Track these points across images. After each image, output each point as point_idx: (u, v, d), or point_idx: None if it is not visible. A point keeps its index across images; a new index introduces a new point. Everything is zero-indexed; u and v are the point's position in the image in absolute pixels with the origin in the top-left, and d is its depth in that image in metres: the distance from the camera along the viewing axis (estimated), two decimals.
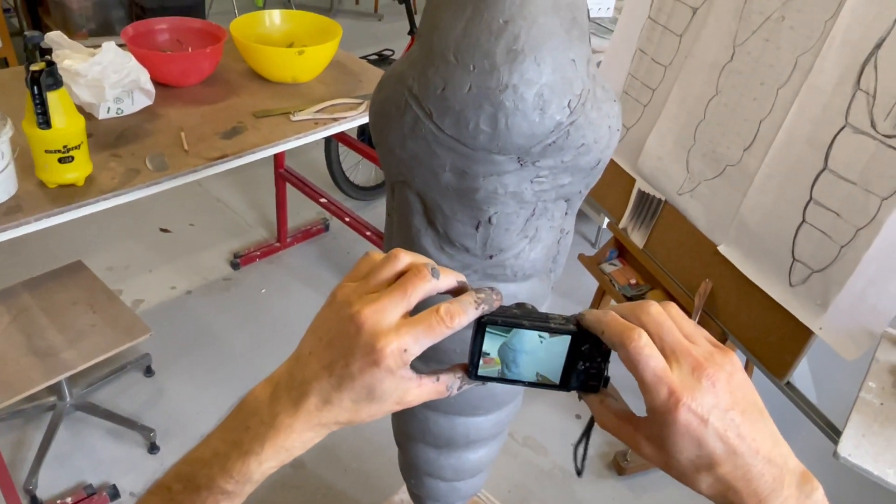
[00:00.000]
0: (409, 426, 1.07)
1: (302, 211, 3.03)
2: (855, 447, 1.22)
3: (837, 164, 1.39)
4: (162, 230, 2.92)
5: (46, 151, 1.43)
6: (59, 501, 1.86)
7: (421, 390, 0.49)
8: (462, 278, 0.51)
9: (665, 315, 0.48)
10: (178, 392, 2.23)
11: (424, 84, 0.72)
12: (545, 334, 0.51)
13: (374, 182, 3.21)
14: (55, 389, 2.03)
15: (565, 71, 0.70)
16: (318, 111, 1.90)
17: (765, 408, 0.47)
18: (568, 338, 0.51)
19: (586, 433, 0.58)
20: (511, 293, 0.87)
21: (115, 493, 1.91)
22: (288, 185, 2.74)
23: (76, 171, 1.49)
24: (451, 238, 0.82)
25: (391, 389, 0.48)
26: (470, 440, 1.05)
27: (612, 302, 2.43)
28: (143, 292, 2.60)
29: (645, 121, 1.89)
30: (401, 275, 0.49)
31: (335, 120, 1.88)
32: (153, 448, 2.04)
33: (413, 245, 0.86)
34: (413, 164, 0.78)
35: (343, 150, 2.90)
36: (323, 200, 2.67)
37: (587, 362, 0.52)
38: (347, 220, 2.60)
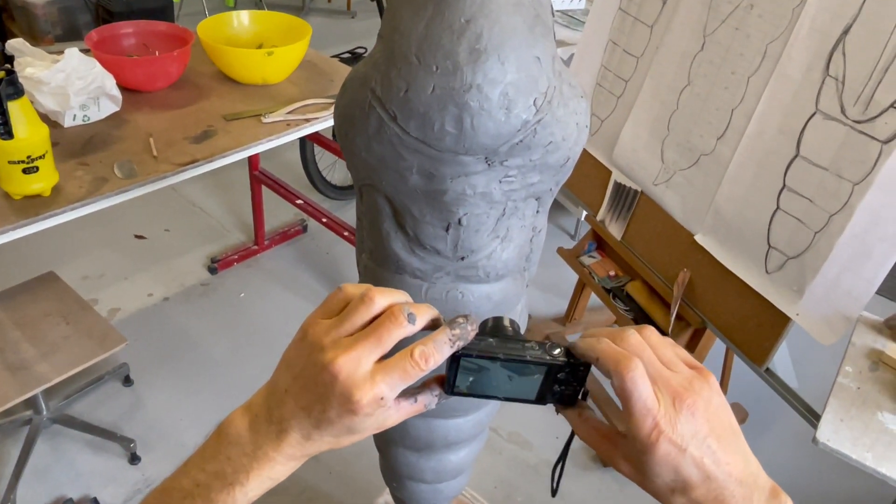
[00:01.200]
0: (387, 431, 1.05)
1: (279, 213, 3.00)
2: (833, 432, 1.23)
3: (809, 150, 1.39)
4: (137, 237, 2.88)
5: (10, 162, 1.40)
6: None
7: (400, 413, 0.50)
8: (436, 314, 0.50)
9: (644, 344, 0.49)
10: (158, 401, 2.20)
11: (387, 86, 0.71)
12: (520, 366, 0.50)
13: (351, 181, 3.19)
14: (31, 403, 2.00)
15: (530, 69, 0.69)
16: (289, 112, 1.87)
17: (738, 427, 0.48)
18: (545, 368, 0.50)
19: (563, 455, 0.58)
20: (484, 294, 0.86)
21: None
22: (264, 188, 2.71)
23: (42, 182, 1.45)
24: (421, 241, 0.81)
25: (370, 424, 0.49)
26: (450, 442, 1.04)
27: (592, 295, 2.43)
28: (119, 300, 2.56)
29: (619, 112, 1.88)
30: (376, 317, 0.49)
31: (307, 121, 1.86)
32: (134, 459, 2.01)
33: (384, 249, 0.84)
34: (380, 167, 0.77)
35: (318, 150, 2.87)
36: (299, 202, 2.65)
37: (563, 386, 0.52)
38: (325, 220, 2.58)
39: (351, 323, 0.48)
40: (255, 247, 2.84)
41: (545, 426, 2.24)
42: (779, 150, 1.45)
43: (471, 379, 0.51)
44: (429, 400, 0.52)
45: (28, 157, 1.41)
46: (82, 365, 1.72)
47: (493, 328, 0.53)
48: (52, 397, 2.06)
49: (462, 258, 0.82)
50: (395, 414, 0.50)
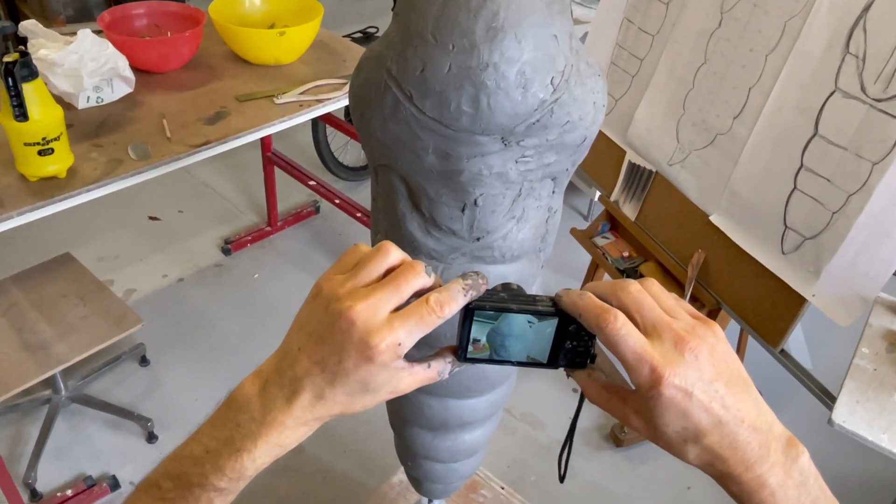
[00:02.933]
0: (402, 410, 1.06)
1: (292, 194, 3.01)
2: (849, 413, 1.23)
3: (828, 129, 1.37)
4: (151, 218, 2.90)
5: (25, 144, 1.41)
6: (59, 494, 1.86)
7: (413, 378, 0.50)
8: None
9: (644, 292, 0.48)
10: (175, 381, 2.23)
11: (403, 65, 0.70)
12: (533, 318, 0.51)
13: (363, 162, 3.18)
14: (50, 383, 2.03)
15: (547, 47, 0.68)
16: (301, 93, 1.87)
17: (748, 377, 0.48)
18: (556, 320, 0.51)
19: (569, 438, 0.59)
20: (500, 274, 0.86)
21: (115, 483, 1.91)
22: (277, 169, 2.71)
23: (57, 164, 1.46)
24: (437, 221, 0.81)
25: (384, 381, 0.48)
26: (464, 422, 1.05)
27: (606, 276, 2.43)
28: (134, 281, 2.58)
29: (634, 91, 1.86)
30: (390, 270, 0.49)
31: (319, 101, 1.85)
32: (151, 437, 2.04)
33: (399, 229, 0.84)
34: (395, 147, 0.76)
35: (331, 130, 2.87)
36: (312, 183, 2.65)
37: (575, 341, 0.52)
38: (337, 202, 2.58)
39: (367, 273, 0.48)
40: (269, 228, 2.84)
41: (558, 406, 2.25)
42: (796, 129, 1.43)
43: (484, 339, 0.51)
44: (442, 367, 0.51)
45: (43, 138, 1.41)
46: (99, 345, 1.74)
47: (503, 289, 0.54)
48: (70, 377, 2.09)
49: (478, 239, 0.81)
50: (408, 378, 0.49)
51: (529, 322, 0.51)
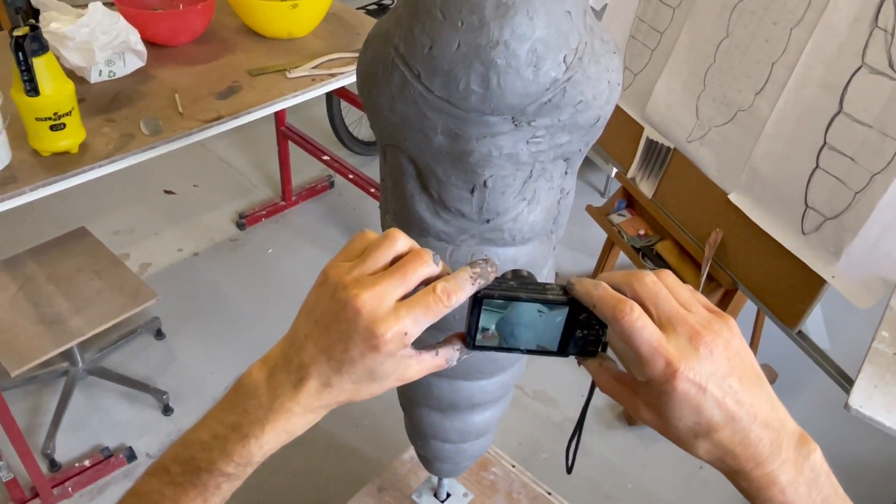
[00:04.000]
0: (412, 391, 1.06)
1: (306, 168, 3.00)
2: (867, 398, 1.20)
3: (853, 106, 1.33)
4: (166, 192, 2.90)
5: (37, 119, 1.40)
6: (77, 465, 1.89)
7: (421, 366, 0.49)
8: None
9: (660, 284, 0.47)
10: (190, 354, 2.24)
11: (411, 43, 0.68)
12: (543, 307, 0.50)
13: None
14: (67, 355, 2.05)
15: (560, 24, 0.66)
16: (314, 67, 1.84)
17: (762, 372, 0.47)
18: (566, 309, 0.50)
19: (578, 429, 0.58)
20: (510, 257, 0.84)
21: (131, 455, 1.94)
22: (291, 143, 2.70)
23: (69, 139, 1.46)
24: (445, 203, 0.79)
25: (391, 370, 0.48)
26: (474, 403, 1.04)
27: (621, 254, 2.40)
28: (150, 255, 2.59)
29: (653, 66, 1.82)
30: (397, 258, 0.48)
31: (332, 76, 1.83)
32: (167, 410, 2.06)
33: (408, 210, 0.83)
34: (403, 127, 0.74)
35: (345, 105, 2.84)
36: (326, 158, 2.64)
37: (585, 330, 0.51)
38: (351, 177, 2.57)
39: (374, 261, 0.48)
40: (283, 202, 2.84)
41: (570, 384, 2.24)
42: (820, 106, 1.39)
43: (493, 327, 0.50)
44: (450, 354, 0.51)
45: (55, 113, 1.41)
46: (114, 319, 1.75)
47: (513, 276, 0.53)
48: (86, 350, 2.11)
49: (487, 221, 0.80)
50: (416, 365, 0.49)
51: (539, 311, 0.50)
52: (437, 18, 0.66)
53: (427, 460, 1.24)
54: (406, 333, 0.45)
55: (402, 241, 0.49)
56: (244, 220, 2.73)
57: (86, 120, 1.54)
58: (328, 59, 1.88)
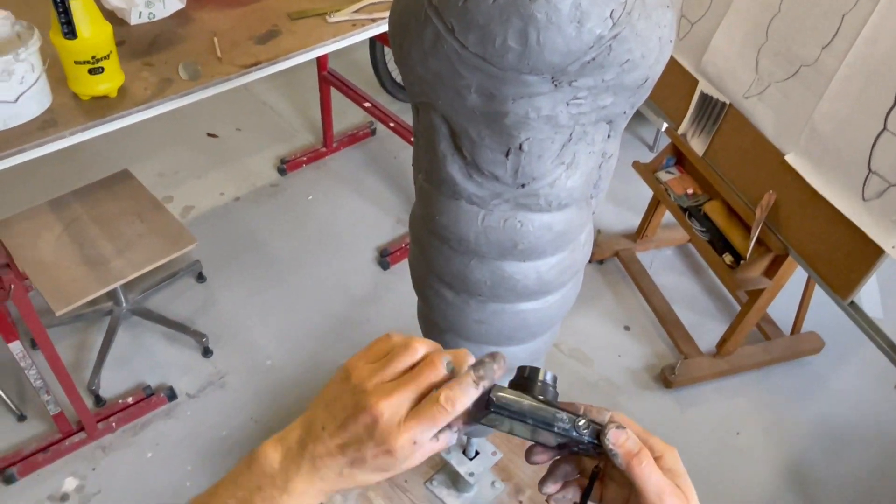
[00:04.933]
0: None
1: (348, 114, 2.96)
2: None
3: None
4: (209, 135, 2.91)
5: (76, 63, 1.39)
6: (120, 401, 1.96)
7: (424, 452, 0.53)
8: (472, 360, 0.53)
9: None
10: (229, 298, 2.28)
11: None
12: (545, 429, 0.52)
13: None
14: (112, 295, 2.10)
15: None
16: (355, 11, 1.79)
17: None
18: (568, 439, 0.52)
19: (589, 488, 0.56)
20: (546, 223, 0.80)
21: (172, 394, 2.00)
22: (333, 89, 2.66)
23: (108, 82, 1.45)
24: (479, 165, 0.75)
25: (400, 465, 0.52)
26: None
27: (666, 213, 2.32)
28: (193, 198, 2.62)
29: (712, 14, 1.71)
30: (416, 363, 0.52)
31: (373, 20, 1.77)
32: (207, 352, 2.11)
33: (439, 171, 0.79)
34: (436, 84, 0.70)
35: (388, 49, 2.77)
36: (367, 105, 2.59)
37: (583, 449, 0.53)
38: (392, 125, 2.52)
39: (393, 368, 0.51)
40: (324, 149, 2.82)
41: (607, 343, 2.21)
42: (893, 63, 1.29)
43: (496, 422, 0.53)
44: (449, 437, 0.53)
45: (93, 57, 1.39)
46: (155, 263, 1.78)
47: (528, 378, 0.54)
48: (130, 290, 2.16)
49: (522, 185, 0.76)
50: (420, 455, 0.52)
51: (540, 430, 0.52)
52: None
53: None
54: (415, 442, 0.49)
55: (420, 351, 0.52)
56: (285, 166, 2.73)
57: (124, 63, 1.53)
58: (369, 3, 1.82)
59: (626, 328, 2.26)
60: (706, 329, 2.24)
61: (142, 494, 1.79)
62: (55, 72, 1.46)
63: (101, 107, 1.45)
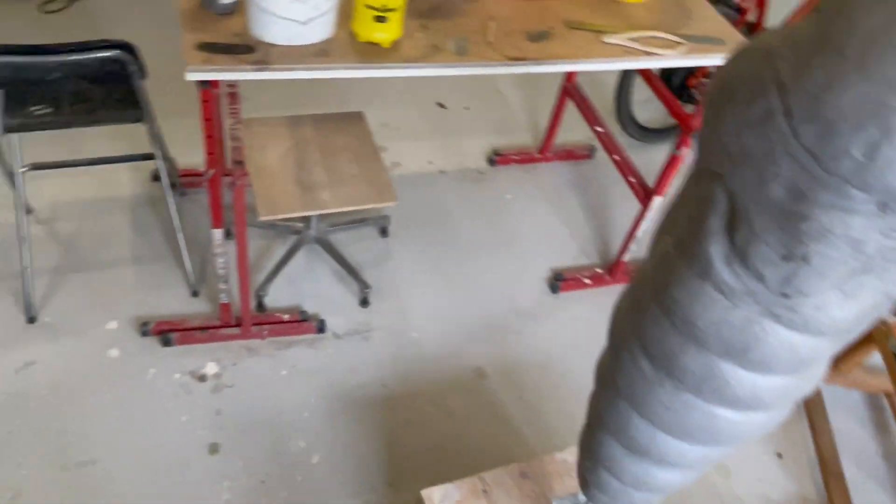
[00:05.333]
0: (607, 415, 0.98)
1: (574, 129, 2.92)
2: None
3: None
4: (439, 105, 2.99)
5: (366, 6, 1.46)
6: (277, 314, 2.08)
7: None
8: None
9: None
10: (403, 261, 2.34)
11: (799, 73, 0.57)
12: None
13: (656, 124, 2.98)
14: (306, 219, 2.23)
15: None
16: (632, 38, 1.73)
17: None
18: None
19: None
20: (791, 344, 0.72)
21: (321, 327, 2.09)
22: (569, 101, 2.62)
23: (386, 33, 1.51)
24: (747, 257, 0.68)
25: None
26: (665, 460, 0.94)
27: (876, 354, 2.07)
28: (403, 157, 2.71)
29: None
30: None
31: (647, 54, 1.71)
32: (364, 302, 2.18)
33: (696, 244, 0.73)
34: (740, 160, 0.64)
35: (639, 81, 2.69)
36: (599, 129, 2.53)
37: None
38: (616, 158, 2.45)
39: None
40: (538, 154, 2.81)
41: (753, 462, 2.02)
42: None
43: None
44: None
45: (383, 5, 1.46)
46: (356, 206, 1.85)
47: None
48: (321, 220, 2.28)
49: (785, 295, 0.68)
50: None
51: None
52: (848, 59, 0.54)
53: (586, 481, 1.16)
54: None
55: None
56: (496, 158, 2.75)
57: (405, 20, 1.58)
58: (649, 35, 1.76)
59: (779, 455, 2.05)
60: (868, 492, 1.98)
61: (264, 404, 1.89)
62: (343, 9, 1.55)
63: (372, 52, 1.52)
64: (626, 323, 0.90)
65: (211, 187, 1.68)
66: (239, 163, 1.61)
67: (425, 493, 1.43)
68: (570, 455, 1.56)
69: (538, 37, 1.69)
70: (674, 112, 2.00)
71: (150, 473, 1.72)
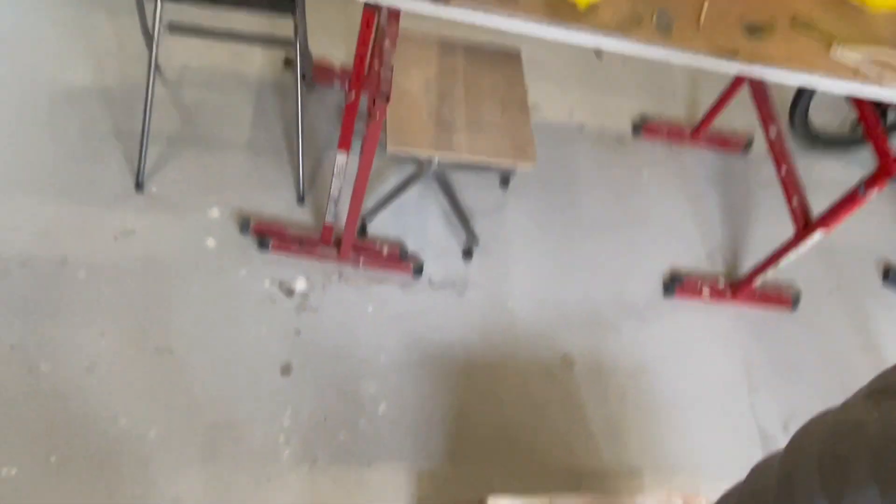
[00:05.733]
0: None
1: (736, 118, 2.61)
2: None
3: None
4: (595, 52, 2.72)
5: None
6: (377, 244, 1.97)
7: None
8: None
9: None
10: (518, 220, 2.18)
11: None
12: None
13: (831, 133, 2.63)
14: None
15: None
16: (867, 55, 1.45)
17: None
18: None
19: None
20: None
21: (419, 270, 1.98)
22: (742, 88, 2.32)
23: None
24: None
25: None
26: None
27: None
28: (550, 110, 2.49)
29: None
30: None
31: (878, 79, 1.43)
32: (467, 254, 2.05)
33: None
34: None
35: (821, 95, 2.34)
36: (771, 128, 2.23)
37: None
38: (784, 167, 2.16)
39: None
40: (689, 134, 2.53)
41: None
42: None
43: None
44: None
45: None
46: (490, 159, 1.69)
47: None
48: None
49: None
50: None
51: None
52: None
53: None
54: None
55: None
56: (643, 127, 2.49)
57: None
58: (891, 57, 1.46)
59: None
60: None
61: (344, 336, 1.83)
62: None
63: (565, 10, 1.31)
64: (814, 463, 0.73)
65: (347, 111, 1.54)
66: (385, 94, 1.45)
67: (492, 500, 1.35)
68: (650, 499, 1.43)
69: (756, 29, 1.43)
70: (878, 148, 1.71)
71: (220, 379, 1.69)
